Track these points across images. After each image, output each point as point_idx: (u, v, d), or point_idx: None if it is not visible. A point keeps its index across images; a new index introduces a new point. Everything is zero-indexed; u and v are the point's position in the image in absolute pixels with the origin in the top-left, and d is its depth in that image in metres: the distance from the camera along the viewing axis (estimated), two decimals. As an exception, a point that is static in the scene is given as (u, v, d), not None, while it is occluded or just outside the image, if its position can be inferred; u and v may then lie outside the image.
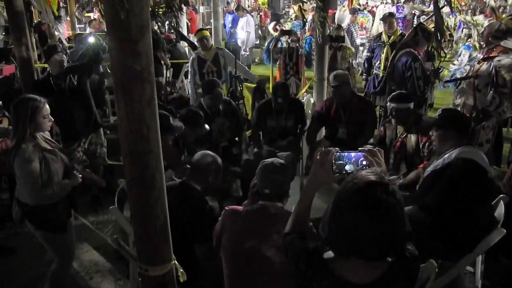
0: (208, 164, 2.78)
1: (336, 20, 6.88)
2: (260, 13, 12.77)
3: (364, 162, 1.53)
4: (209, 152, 2.89)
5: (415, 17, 10.01)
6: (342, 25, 6.93)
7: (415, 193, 3.11)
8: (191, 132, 3.70)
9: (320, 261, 1.44)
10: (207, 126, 3.86)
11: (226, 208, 2.40)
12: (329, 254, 1.44)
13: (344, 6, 9.84)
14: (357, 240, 1.29)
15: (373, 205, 1.27)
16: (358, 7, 12.88)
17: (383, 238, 1.27)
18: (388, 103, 3.82)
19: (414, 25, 5.81)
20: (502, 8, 9.29)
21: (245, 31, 10.20)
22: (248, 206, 2.41)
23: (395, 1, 15.10)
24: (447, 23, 10.06)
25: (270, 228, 2.24)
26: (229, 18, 11.01)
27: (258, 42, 12.29)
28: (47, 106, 2.79)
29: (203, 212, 2.63)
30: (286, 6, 16.27)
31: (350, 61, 6.41)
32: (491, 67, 4.19)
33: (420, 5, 10.56)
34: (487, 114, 4.29)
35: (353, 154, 1.56)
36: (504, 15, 5.05)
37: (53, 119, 2.86)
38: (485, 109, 4.27)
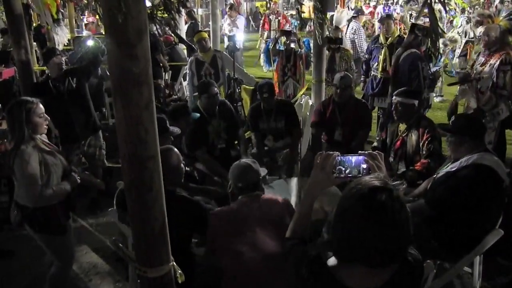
0: (173, 163, 2.70)
1: (334, 22, 6.90)
2: (279, 18, 12.33)
3: (364, 166, 1.53)
4: (169, 147, 2.80)
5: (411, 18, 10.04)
6: (340, 27, 6.94)
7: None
8: (183, 124, 3.73)
9: (323, 268, 1.43)
10: (196, 114, 3.97)
11: (211, 212, 2.47)
12: (332, 260, 1.43)
13: (344, 7, 9.83)
14: (362, 247, 1.27)
15: (378, 210, 1.25)
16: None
17: (388, 244, 1.25)
18: (394, 97, 3.81)
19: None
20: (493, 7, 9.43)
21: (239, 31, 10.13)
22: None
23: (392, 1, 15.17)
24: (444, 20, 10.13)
25: (255, 217, 2.36)
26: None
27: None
28: (40, 105, 2.80)
29: (190, 211, 2.62)
30: (285, 8, 16.28)
31: (348, 63, 6.43)
32: (493, 69, 4.23)
33: (416, 6, 10.56)
34: (482, 114, 4.31)
35: (353, 158, 1.55)
36: (501, 18, 5.09)
37: (49, 118, 2.88)
38: (480, 108, 4.29)
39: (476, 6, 11.41)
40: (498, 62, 4.21)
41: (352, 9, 11.49)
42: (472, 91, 4.47)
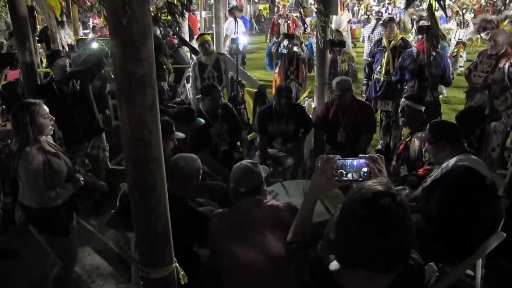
0: (188, 171, 2.71)
1: (334, 25, 6.93)
2: (288, 21, 12.15)
3: (366, 170, 1.53)
4: (186, 155, 2.81)
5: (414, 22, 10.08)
6: (340, 29, 6.96)
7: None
8: (187, 129, 3.74)
9: (325, 272, 1.42)
10: (201, 120, 3.97)
11: (211, 215, 2.48)
12: (334, 265, 1.43)
13: (344, 9, 9.85)
14: (365, 252, 1.26)
15: (381, 215, 1.24)
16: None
17: (391, 249, 1.25)
18: (402, 100, 3.86)
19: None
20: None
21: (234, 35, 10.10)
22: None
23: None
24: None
25: (254, 223, 2.34)
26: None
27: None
28: (44, 106, 2.81)
29: (192, 220, 2.61)
30: (288, 11, 16.25)
31: (349, 66, 6.45)
32: (506, 70, 4.29)
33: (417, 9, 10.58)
34: (497, 114, 4.31)
35: (355, 161, 1.55)
36: (505, 22, 5.14)
37: (54, 118, 2.88)
38: (495, 108, 4.30)
39: (471, 9, 11.49)
40: (508, 64, 4.31)
41: (374, 15, 11.50)
42: (485, 98, 4.51)
